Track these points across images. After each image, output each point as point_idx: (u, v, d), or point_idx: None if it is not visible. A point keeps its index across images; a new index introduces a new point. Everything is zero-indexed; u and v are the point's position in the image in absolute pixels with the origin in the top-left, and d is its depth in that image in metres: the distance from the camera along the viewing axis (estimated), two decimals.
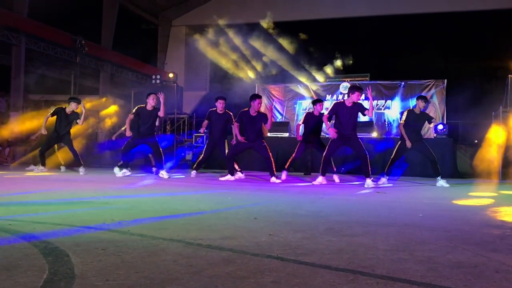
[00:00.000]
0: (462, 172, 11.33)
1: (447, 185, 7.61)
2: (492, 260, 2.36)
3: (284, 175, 8.63)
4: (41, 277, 1.87)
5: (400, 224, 3.52)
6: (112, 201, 4.73)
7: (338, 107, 7.47)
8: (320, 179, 7.62)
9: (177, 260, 2.20)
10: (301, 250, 2.48)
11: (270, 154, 8.14)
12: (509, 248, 2.67)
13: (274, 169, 8.12)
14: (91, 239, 2.63)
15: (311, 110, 9.47)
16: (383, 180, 7.88)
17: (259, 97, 8.41)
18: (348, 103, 7.38)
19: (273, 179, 7.96)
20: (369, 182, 7.19)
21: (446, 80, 13.95)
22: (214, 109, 8.87)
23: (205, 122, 8.95)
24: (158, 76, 15.28)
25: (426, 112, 8.46)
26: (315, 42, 16.29)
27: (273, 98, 15.46)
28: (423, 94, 13.87)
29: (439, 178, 7.77)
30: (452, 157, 11.09)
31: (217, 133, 8.89)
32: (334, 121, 7.55)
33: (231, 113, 8.79)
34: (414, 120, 7.85)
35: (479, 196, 6.32)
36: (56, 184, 6.75)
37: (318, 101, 9.21)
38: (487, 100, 13.07)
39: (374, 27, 16.11)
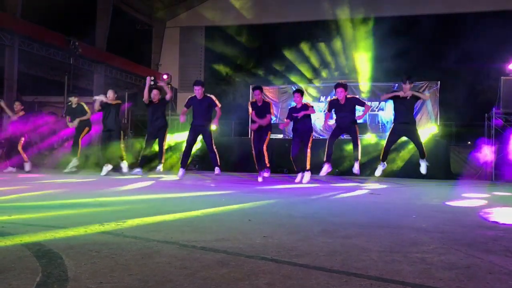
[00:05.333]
0: (456, 173, 11.39)
1: (424, 172, 7.85)
2: (485, 261, 2.37)
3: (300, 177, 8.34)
4: (34, 280, 1.86)
5: (393, 225, 3.53)
6: (106, 202, 4.71)
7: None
8: (325, 168, 8.00)
9: (171, 262, 2.19)
10: (295, 251, 2.48)
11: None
12: (502, 249, 2.68)
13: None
14: (85, 242, 2.62)
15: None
16: (380, 168, 8.06)
17: (259, 88, 8.46)
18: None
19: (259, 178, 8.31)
20: (356, 166, 7.91)
21: (439, 82, 14.03)
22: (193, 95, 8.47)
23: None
24: (152, 78, 15.23)
25: (417, 92, 8.35)
26: (309, 44, 16.34)
27: (268, 99, 15.49)
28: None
29: (423, 160, 7.85)
30: (446, 159, 11.16)
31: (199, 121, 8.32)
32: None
33: (212, 96, 8.34)
34: (401, 102, 7.75)
35: (472, 197, 6.35)
36: (50, 186, 6.71)
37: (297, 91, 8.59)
38: (480, 101, 13.17)
39: (368, 29, 16.18)
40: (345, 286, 1.89)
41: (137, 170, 8.84)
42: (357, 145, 8.04)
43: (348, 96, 8.24)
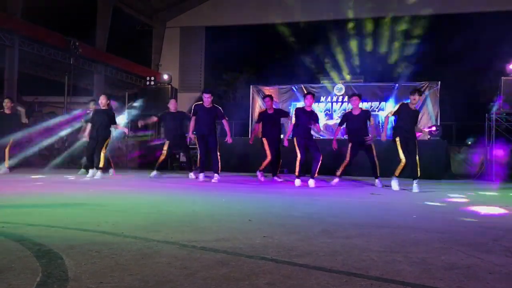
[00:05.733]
0: (456, 173, 11.40)
1: (417, 190, 6.91)
2: (485, 261, 2.37)
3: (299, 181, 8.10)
4: (35, 280, 1.86)
5: (394, 225, 3.53)
6: (106, 203, 4.71)
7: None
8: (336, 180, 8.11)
9: (171, 262, 2.19)
10: (295, 251, 2.48)
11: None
12: (502, 249, 2.68)
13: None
14: (85, 242, 2.62)
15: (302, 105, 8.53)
16: (396, 182, 7.37)
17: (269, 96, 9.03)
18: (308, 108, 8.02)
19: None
20: (378, 183, 7.87)
21: (440, 82, 14.03)
22: (200, 102, 8.45)
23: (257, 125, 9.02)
24: (153, 78, 15.24)
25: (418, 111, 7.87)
26: (309, 44, 16.36)
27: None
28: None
29: (415, 181, 7.09)
30: (446, 159, 11.16)
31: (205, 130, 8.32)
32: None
33: (220, 108, 8.51)
34: (407, 114, 7.29)
35: (473, 198, 6.35)
36: (50, 186, 6.72)
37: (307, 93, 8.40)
38: (481, 102, 13.17)
39: (368, 29, 16.20)
40: (346, 286, 1.89)
41: (154, 173, 8.91)
42: (375, 163, 7.91)
43: (363, 108, 8.34)
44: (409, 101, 7.41)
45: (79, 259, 2.19)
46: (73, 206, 4.42)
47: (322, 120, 14.75)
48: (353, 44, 16.22)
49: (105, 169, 8.81)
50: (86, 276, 1.93)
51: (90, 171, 8.67)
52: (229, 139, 8.47)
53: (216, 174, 8.19)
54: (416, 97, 7.24)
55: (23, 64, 14.79)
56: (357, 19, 16.73)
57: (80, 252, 2.34)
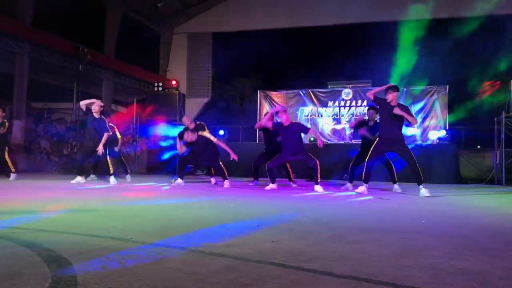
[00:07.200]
0: (465, 177, 11.31)
1: (428, 195, 6.59)
2: (496, 266, 2.34)
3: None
4: (44, 285, 1.87)
5: (403, 230, 3.51)
6: (115, 208, 4.73)
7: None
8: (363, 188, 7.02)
9: (180, 267, 2.19)
10: (304, 257, 2.47)
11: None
12: None
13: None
14: (94, 247, 2.63)
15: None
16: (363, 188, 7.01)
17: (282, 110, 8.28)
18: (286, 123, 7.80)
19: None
20: (396, 187, 7.69)
21: (448, 86, 13.96)
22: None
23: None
24: (161, 84, 15.32)
25: (408, 107, 7.27)
26: (317, 49, 16.35)
27: (275, 105, 15.49)
28: (425, 100, 13.86)
29: (421, 186, 6.75)
30: (455, 163, 11.08)
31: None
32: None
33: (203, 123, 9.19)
34: (389, 112, 6.80)
35: (482, 202, 6.29)
36: (59, 192, 6.75)
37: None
38: (490, 105, 13.08)
39: (376, 33, 16.17)
40: None
41: (179, 181, 8.46)
42: (392, 168, 7.73)
43: (377, 120, 7.96)
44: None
45: (88, 264, 2.20)
46: (82, 211, 4.44)
47: (330, 125, 14.77)
48: (361, 48, 16.18)
49: (113, 173, 8.81)
50: (95, 281, 1.94)
51: (78, 177, 8.55)
52: (234, 156, 8.42)
53: (226, 181, 8.28)
54: (390, 95, 6.86)
55: (33, 71, 14.91)
56: (364, 23, 16.71)
57: (89, 257, 2.34)
